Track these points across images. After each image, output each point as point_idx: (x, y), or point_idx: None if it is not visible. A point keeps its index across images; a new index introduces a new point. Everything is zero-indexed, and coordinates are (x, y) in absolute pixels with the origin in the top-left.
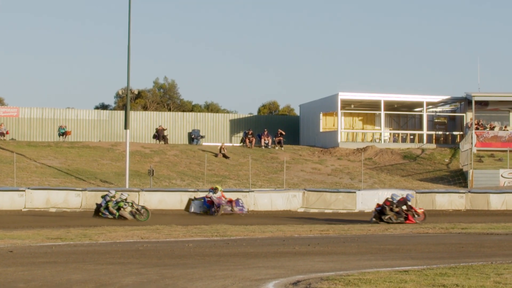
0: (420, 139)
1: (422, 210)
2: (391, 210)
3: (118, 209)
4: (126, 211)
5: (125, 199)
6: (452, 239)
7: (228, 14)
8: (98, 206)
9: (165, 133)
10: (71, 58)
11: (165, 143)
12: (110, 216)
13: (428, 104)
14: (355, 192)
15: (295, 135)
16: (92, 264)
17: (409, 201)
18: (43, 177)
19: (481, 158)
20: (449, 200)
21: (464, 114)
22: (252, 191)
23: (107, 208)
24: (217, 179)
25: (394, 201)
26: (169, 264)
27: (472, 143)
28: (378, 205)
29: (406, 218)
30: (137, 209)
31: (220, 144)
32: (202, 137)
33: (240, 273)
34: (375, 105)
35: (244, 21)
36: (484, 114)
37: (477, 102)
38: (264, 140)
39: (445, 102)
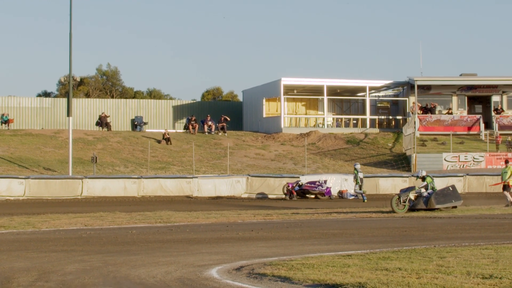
0: (363, 124)
1: None
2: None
3: None
4: None
5: None
6: (395, 223)
7: (172, 1)
8: None
9: (108, 120)
10: (12, 46)
11: (108, 130)
12: None
13: (371, 88)
14: (298, 177)
15: (239, 121)
16: (35, 252)
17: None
18: None
19: (424, 142)
20: (392, 184)
21: (406, 99)
22: (196, 177)
23: None
24: (161, 165)
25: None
26: (112, 251)
27: (415, 127)
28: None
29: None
30: None
31: (163, 131)
32: (145, 123)
33: (183, 259)
34: (318, 90)
35: (187, 8)
36: (426, 98)
37: (419, 87)
38: (207, 126)
39: (387, 87)
